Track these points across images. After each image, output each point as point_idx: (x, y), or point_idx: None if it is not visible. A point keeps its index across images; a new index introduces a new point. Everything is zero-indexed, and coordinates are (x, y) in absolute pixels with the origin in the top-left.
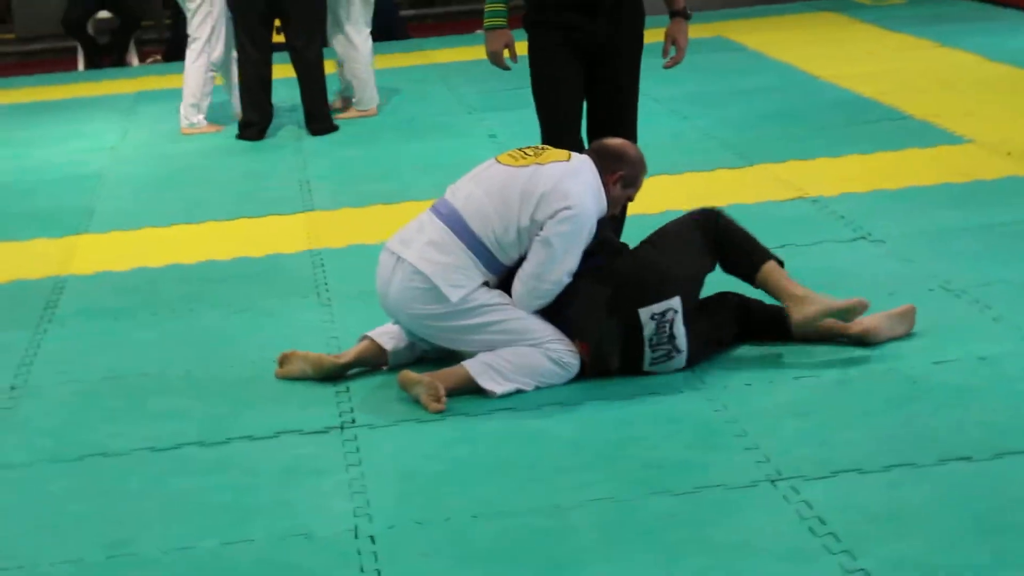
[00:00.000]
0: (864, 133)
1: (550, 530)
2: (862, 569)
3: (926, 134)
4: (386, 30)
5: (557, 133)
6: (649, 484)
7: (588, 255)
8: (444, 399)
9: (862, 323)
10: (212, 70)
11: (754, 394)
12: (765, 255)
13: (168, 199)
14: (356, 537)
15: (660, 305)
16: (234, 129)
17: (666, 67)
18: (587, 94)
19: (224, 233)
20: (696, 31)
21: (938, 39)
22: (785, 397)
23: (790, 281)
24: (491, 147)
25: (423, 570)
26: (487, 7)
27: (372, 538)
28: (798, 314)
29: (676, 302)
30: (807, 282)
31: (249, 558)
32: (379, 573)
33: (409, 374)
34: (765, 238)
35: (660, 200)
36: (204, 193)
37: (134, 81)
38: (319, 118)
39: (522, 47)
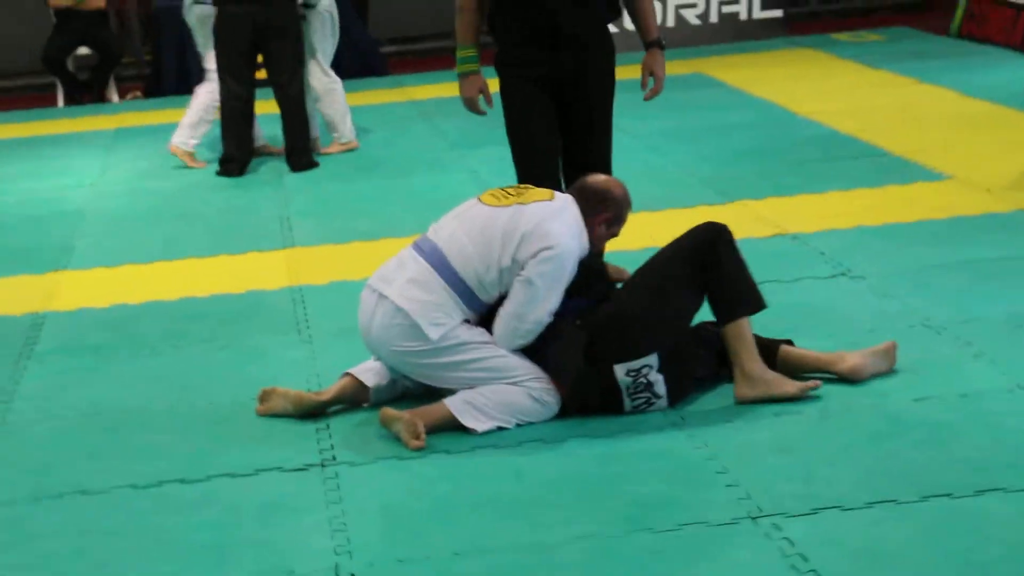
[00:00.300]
0: (843, 170)
1: (533, 567)
2: None
3: (905, 171)
4: (367, 67)
5: (532, 173)
6: (632, 521)
7: (571, 295)
8: (424, 436)
9: (846, 362)
10: (216, 102)
11: (735, 431)
12: (740, 309)
13: (148, 235)
14: (337, 575)
15: (636, 362)
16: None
17: (646, 99)
18: (560, 129)
19: (204, 270)
20: (675, 67)
21: (916, 75)
22: (766, 434)
23: (749, 351)
24: (473, 183)
25: None
26: (458, 53)
27: None
28: (738, 394)
29: (653, 359)
30: (787, 320)
31: None
32: None
33: (389, 411)
34: None
35: (640, 236)
36: (184, 229)
37: (114, 117)
38: (301, 154)
39: (495, 84)
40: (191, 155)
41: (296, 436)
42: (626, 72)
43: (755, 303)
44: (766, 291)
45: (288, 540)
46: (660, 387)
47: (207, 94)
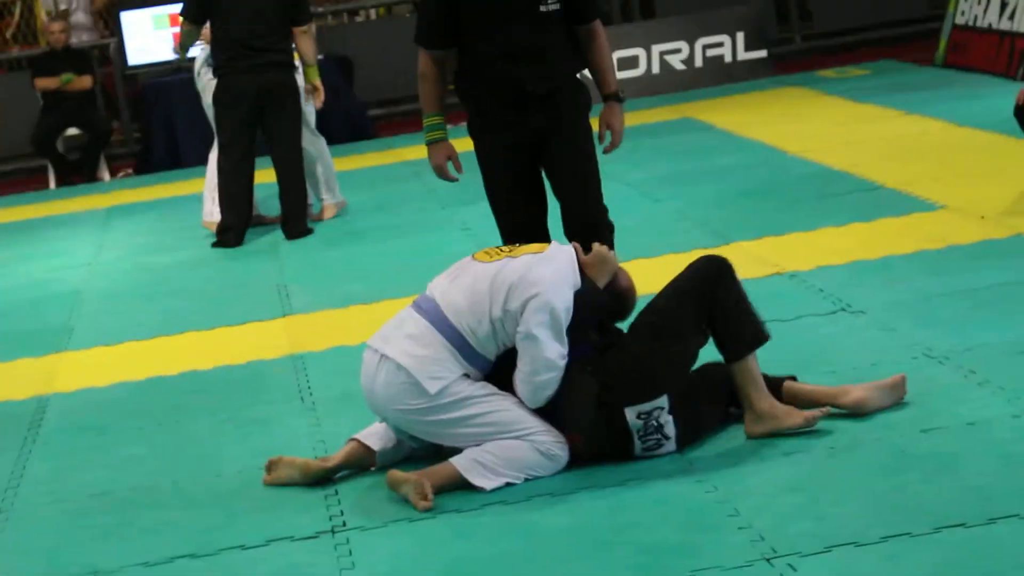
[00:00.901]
0: (837, 205)
1: None
2: None
3: (898, 203)
4: (356, 131)
5: (516, 238)
6: (645, 570)
7: (578, 342)
8: (432, 497)
9: (850, 395)
10: None
11: (744, 473)
12: (745, 347)
13: (146, 312)
14: None
15: (647, 405)
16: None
17: (605, 152)
18: (551, 186)
19: (204, 343)
20: (663, 113)
21: (903, 107)
22: (775, 473)
23: (758, 387)
24: (466, 240)
25: None
26: (425, 121)
27: None
28: (748, 431)
29: (663, 400)
30: (790, 358)
31: None
32: None
33: (397, 473)
34: None
35: (639, 284)
36: (182, 304)
37: (106, 196)
38: (297, 221)
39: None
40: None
41: (305, 504)
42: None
43: (759, 337)
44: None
45: None
46: (670, 428)
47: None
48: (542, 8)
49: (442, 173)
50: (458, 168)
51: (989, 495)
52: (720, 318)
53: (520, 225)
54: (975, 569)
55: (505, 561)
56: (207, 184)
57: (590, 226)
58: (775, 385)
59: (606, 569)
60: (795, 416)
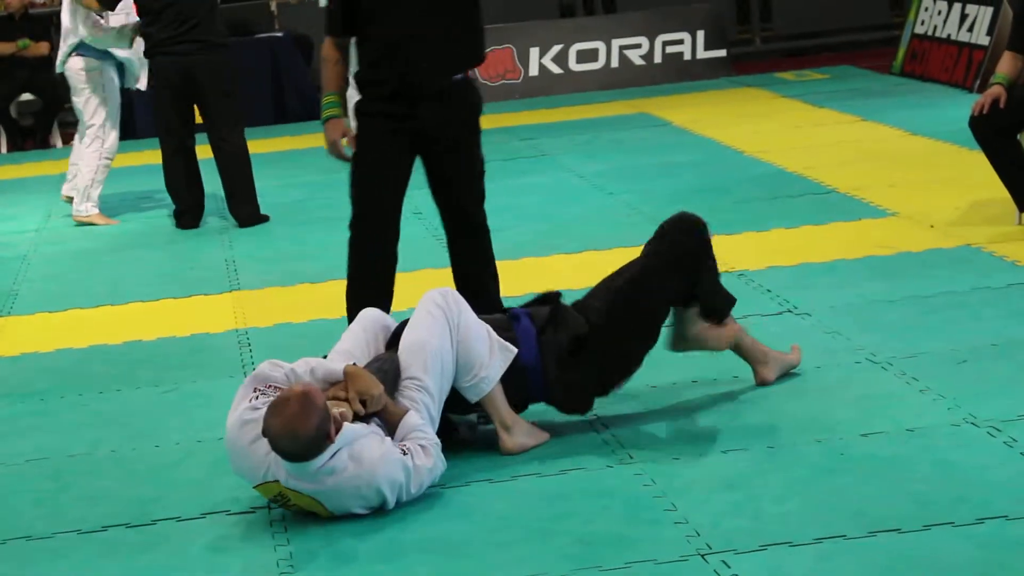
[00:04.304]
0: (789, 207)
1: None
2: None
3: (850, 207)
4: (310, 109)
5: (361, 222)
6: (580, 559)
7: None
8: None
9: (762, 374)
10: (106, 157)
11: (683, 467)
12: (724, 313)
13: (93, 280)
14: None
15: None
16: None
17: None
18: (429, 181)
19: (149, 314)
20: (620, 107)
21: (860, 113)
22: (714, 470)
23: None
24: (416, 224)
25: None
26: (323, 99)
27: None
28: (760, 377)
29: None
30: (734, 358)
31: None
32: None
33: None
34: None
35: (588, 275)
36: (129, 274)
37: (58, 163)
38: (247, 206)
39: None
40: (99, 215)
41: (244, 480)
42: (572, 113)
43: (731, 302)
44: None
45: None
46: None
47: (91, 157)
48: None
49: (335, 150)
50: (352, 144)
51: (925, 501)
52: (700, 288)
53: (374, 212)
54: (908, 574)
55: (440, 544)
56: (79, 176)
57: (470, 228)
58: None
59: (541, 557)
60: (724, 339)
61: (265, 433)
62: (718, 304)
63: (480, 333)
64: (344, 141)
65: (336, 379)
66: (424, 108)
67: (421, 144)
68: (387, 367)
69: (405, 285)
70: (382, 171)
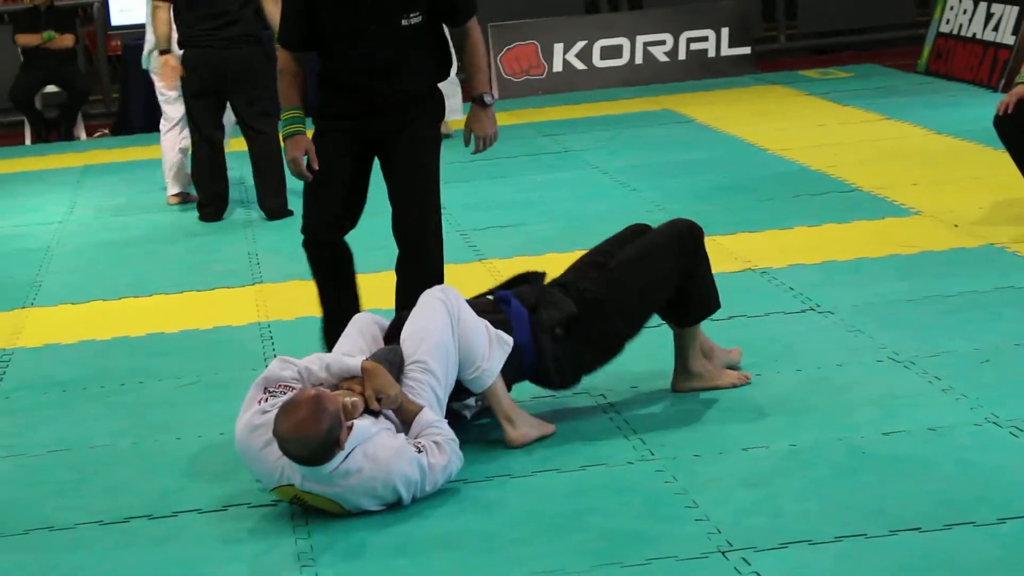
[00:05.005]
0: (812, 205)
1: None
2: None
3: (873, 206)
4: None
5: (311, 226)
6: (601, 555)
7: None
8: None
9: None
10: (182, 153)
11: (704, 465)
12: (707, 313)
13: (116, 272)
14: None
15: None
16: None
17: (474, 154)
18: (387, 187)
19: (172, 306)
20: (644, 104)
21: (884, 112)
22: (735, 468)
23: (695, 349)
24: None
25: None
26: (284, 115)
27: None
28: (677, 386)
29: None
30: (756, 355)
31: None
32: None
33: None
34: None
35: None
36: (152, 266)
37: (82, 155)
38: (275, 199)
39: None
40: (185, 197)
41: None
42: (596, 109)
43: (717, 304)
44: (735, 326)
45: (256, 575)
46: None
47: (170, 150)
48: (403, 22)
49: (297, 167)
50: (313, 162)
51: (946, 501)
52: (692, 286)
53: (326, 218)
54: (928, 574)
55: (460, 540)
56: (164, 164)
57: (415, 239)
58: None
59: (563, 553)
60: (726, 377)
61: (276, 436)
62: (711, 297)
63: (479, 327)
64: (306, 158)
65: (352, 375)
66: (386, 120)
67: (382, 149)
68: (391, 357)
69: None
70: (337, 178)
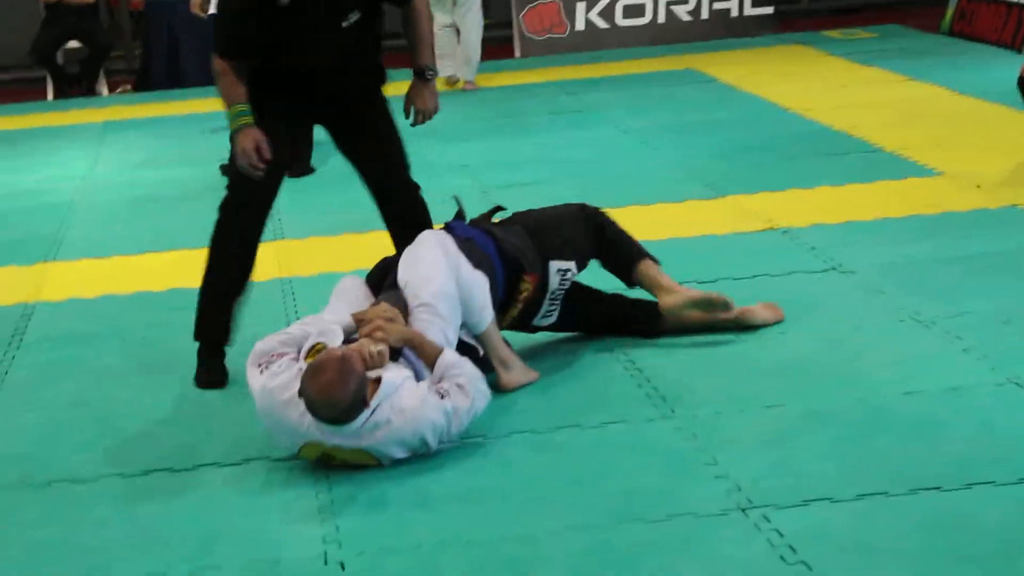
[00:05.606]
0: (834, 165)
1: (522, 559)
2: None
3: (896, 166)
4: None
5: (236, 203)
6: (620, 513)
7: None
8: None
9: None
10: None
11: (724, 423)
12: (642, 253)
13: (137, 227)
14: (325, 564)
15: (566, 263)
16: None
17: (412, 126)
18: (352, 160)
19: (193, 261)
20: (666, 63)
21: (907, 73)
22: (755, 426)
23: (663, 275)
24: (464, 176)
25: None
26: (231, 109)
27: (342, 564)
28: (663, 304)
29: (573, 265)
30: None
31: None
32: None
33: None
34: (736, 269)
35: (633, 230)
36: (173, 222)
37: (103, 111)
38: (303, 159)
39: None
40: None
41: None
42: (618, 68)
43: (648, 253)
44: (757, 284)
45: (276, 529)
46: (560, 302)
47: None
48: (344, 24)
49: (247, 158)
50: (264, 154)
51: (967, 461)
52: (609, 238)
53: (249, 192)
54: (948, 534)
55: (479, 496)
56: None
57: (414, 197)
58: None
59: (583, 509)
60: (701, 293)
61: (302, 397)
62: (633, 246)
63: (476, 277)
64: (257, 149)
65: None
66: (329, 103)
67: (326, 124)
68: (393, 301)
69: None
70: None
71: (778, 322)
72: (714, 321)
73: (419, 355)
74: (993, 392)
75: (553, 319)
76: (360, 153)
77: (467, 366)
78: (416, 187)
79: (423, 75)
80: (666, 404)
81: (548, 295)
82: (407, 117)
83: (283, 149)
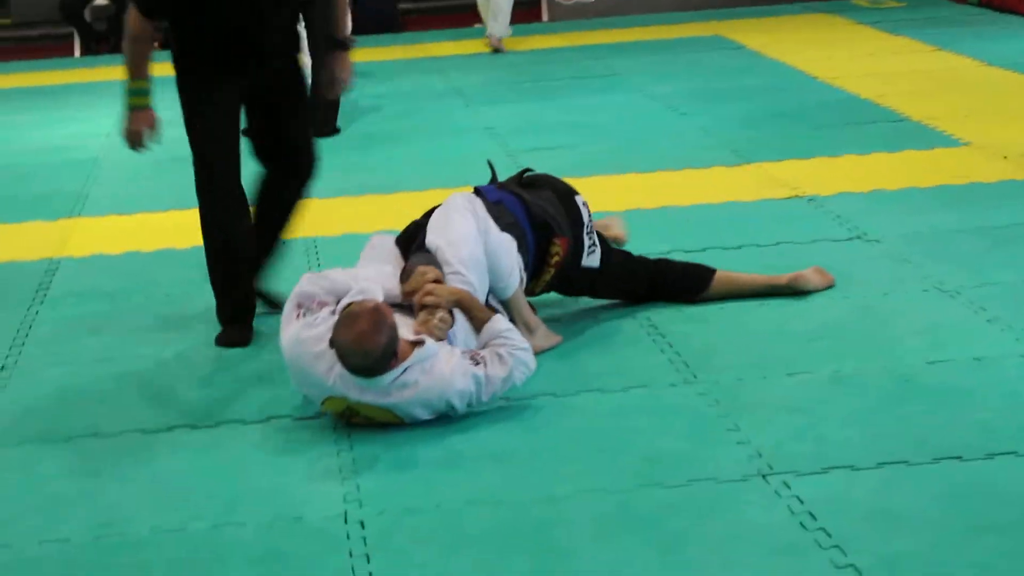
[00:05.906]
0: (861, 134)
1: (544, 520)
2: (852, 565)
3: (923, 136)
4: (383, 23)
5: (209, 175)
6: (643, 476)
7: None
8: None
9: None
10: None
11: (747, 389)
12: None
13: (163, 185)
14: (346, 522)
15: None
16: None
17: (330, 97)
18: (270, 124)
19: None
20: (694, 29)
21: (936, 43)
22: (778, 393)
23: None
24: (489, 140)
25: (413, 555)
26: (133, 83)
27: (362, 523)
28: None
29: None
30: None
31: (239, 541)
32: (368, 558)
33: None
34: (761, 236)
35: (657, 195)
36: None
37: None
38: (328, 119)
39: None
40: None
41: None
42: (645, 33)
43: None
44: (781, 252)
45: (297, 487)
46: (596, 236)
47: None
48: None
49: (136, 140)
50: (153, 139)
51: (990, 431)
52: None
53: (219, 162)
54: (969, 503)
55: (502, 457)
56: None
57: (311, 159)
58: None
59: (604, 472)
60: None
61: (333, 346)
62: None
63: (502, 241)
64: (148, 132)
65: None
66: (258, 73)
67: (250, 87)
68: (427, 263)
69: None
70: (222, 118)
71: (830, 287)
72: (771, 289)
73: (468, 317)
74: (1018, 363)
75: (597, 257)
76: (284, 110)
77: (515, 336)
78: (317, 157)
79: (344, 45)
80: (689, 370)
81: (585, 230)
82: (326, 87)
83: (234, 126)
